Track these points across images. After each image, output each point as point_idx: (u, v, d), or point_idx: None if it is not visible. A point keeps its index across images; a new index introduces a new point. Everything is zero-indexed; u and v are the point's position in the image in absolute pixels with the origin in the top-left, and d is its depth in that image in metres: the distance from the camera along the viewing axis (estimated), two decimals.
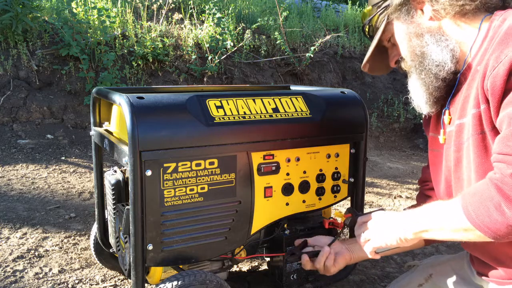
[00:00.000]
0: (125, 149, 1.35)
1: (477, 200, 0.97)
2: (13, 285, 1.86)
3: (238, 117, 1.42)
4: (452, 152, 1.19)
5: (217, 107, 1.41)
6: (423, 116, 1.39)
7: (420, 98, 1.25)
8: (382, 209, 1.47)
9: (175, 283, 1.32)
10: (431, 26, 1.19)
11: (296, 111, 1.52)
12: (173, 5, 5.53)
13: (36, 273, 1.95)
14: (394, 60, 1.35)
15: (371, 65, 1.40)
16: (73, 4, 4.60)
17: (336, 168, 1.64)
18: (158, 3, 5.21)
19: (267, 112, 1.48)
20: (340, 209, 2.90)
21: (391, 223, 1.22)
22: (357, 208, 1.74)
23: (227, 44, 4.99)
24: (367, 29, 1.37)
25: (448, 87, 1.21)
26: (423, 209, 1.15)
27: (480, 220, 0.96)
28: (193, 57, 4.87)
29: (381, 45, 1.35)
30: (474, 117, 1.07)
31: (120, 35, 4.78)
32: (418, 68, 1.22)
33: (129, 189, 1.30)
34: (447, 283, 1.38)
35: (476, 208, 0.97)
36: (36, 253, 2.13)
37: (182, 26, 5.30)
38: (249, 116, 1.44)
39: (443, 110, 1.24)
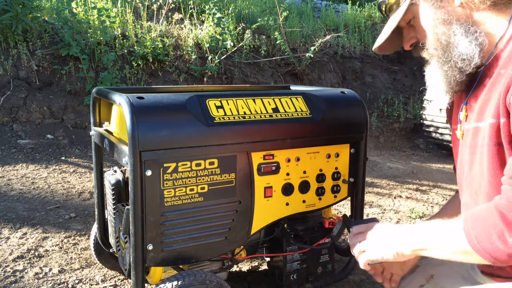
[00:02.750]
0: (125, 149, 1.35)
1: (480, 226, 0.97)
2: (13, 285, 1.86)
3: (238, 117, 1.42)
4: (467, 153, 1.16)
5: (217, 107, 1.41)
6: (446, 107, 1.35)
7: (439, 90, 1.19)
8: (375, 219, 1.47)
9: (175, 283, 1.32)
10: (461, 14, 1.11)
11: (296, 111, 1.52)
12: (173, 5, 5.53)
13: (36, 273, 1.95)
14: (410, 43, 1.26)
15: (382, 44, 1.32)
16: (73, 4, 4.60)
17: (336, 168, 1.64)
18: (158, 3, 5.21)
19: (267, 112, 1.48)
20: (340, 209, 2.90)
21: (389, 237, 1.19)
22: (357, 209, 1.74)
23: (227, 44, 4.99)
24: (383, 7, 1.27)
25: (469, 81, 1.15)
26: (424, 226, 1.13)
27: (482, 246, 0.96)
28: (193, 57, 4.88)
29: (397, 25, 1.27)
30: (492, 127, 1.04)
31: (120, 35, 4.78)
32: (441, 58, 1.14)
33: (129, 189, 1.30)
34: (449, 284, 1.37)
35: (479, 234, 0.96)
36: (36, 253, 2.13)
37: (182, 26, 5.30)
38: (249, 116, 1.44)
39: (461, 106, 1.20)
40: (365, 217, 2.00)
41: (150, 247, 1.34)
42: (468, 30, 1.10)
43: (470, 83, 1.15)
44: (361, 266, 1.26)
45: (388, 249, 1.17)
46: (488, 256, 0.95)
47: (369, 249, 1.22)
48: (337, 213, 2.84)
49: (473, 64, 1.10)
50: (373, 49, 1.33)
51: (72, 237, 2.32)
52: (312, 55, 5.40)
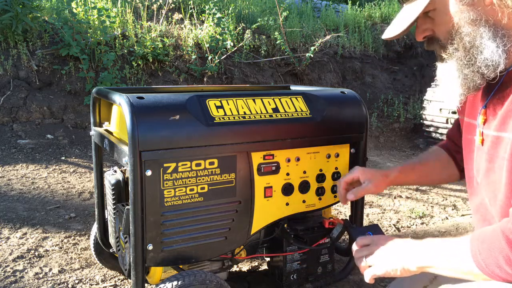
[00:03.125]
0: (125, 149, 1.35)
1: (487, 249, 0.97)
2: (13, 285, 1.86)
3: (238, 117, 1.42)
4: (484, 159, 1.14)
5: (217, 107, 1.41)
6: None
7: (453, 92, 1.11)
8: (377, 226, 1.46)
9: (175, 283, 1.32)
10: (491, 15, 1.02)
11: (296, 111, 1.52)
12: (173, 5, 5.53)
13: (36, 273, 1.95)
14: (424, 35, 1.14)
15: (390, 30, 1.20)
16: (73, 4, 4.60)
17: (336, 168, 1.64)
18: (158, 3, 5.21)
19: (267, 112, 1.48)
20: (340, 209, 2.90)
21: (396, 253, 1.17)
22: (357, 209, 1.74)
23: (227, 44, 4.99)
24: None
25: (487, 83, 1.10)
26: (430, 244, 1.13)
27: (490, 270, 0.97)
28: (193, 57, 4.88)
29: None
30: None
31: (120, 35, 4.78)
32: (462, 60, 1.06)
33: (129, 189, 1.30)
34: (453, 283, 1.36)
35: (486, 258, 0.97)
36: (36, 253, 2.13)
37: (182, 26, 5.30)
38: (249, 116, 1.44)
39: (480, 109, 1.15)
40: (365, 217, 2.00)
41: (150, 247, 1.34)
42: (496, 34, 1.02)
43: (490, 85, 1.10)
44: (367, 280, 1.24)
45: (395, 265, 1.16)
46: (497, 277, 0.96)
47: (376, 265, 1.21)
48: (337, 213, 2.84)
49: (497, 71, 1.04)
50: (383, 37, 1.23)
51: (72, 237, 2.32)
52: (312, 55, 5.40)
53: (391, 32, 1.17)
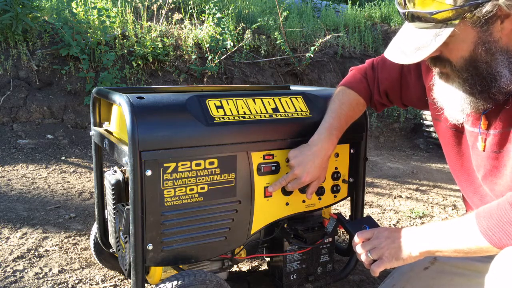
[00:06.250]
0: (125, 149, 1.35)
1: (496, 224, 0.99)
2: (13, 285, 1.86)
3: (238, 117, 1.42)
4: (487, 157, 1.15)
5: (217, 107, 1.41)
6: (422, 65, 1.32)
7: (462, 112, 1.12)
8: (370, 217, 1.46)
9: (175, 283, 1.32)
10: (507, 43, 1.02)
11: (296, 111, 1.52)
12: (173, 5, 5.53)
13: (36, 273, 1.95)
14: (433, 55, 1.07)
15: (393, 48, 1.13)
16: (73, 4, 4.60)
17: (336, 168, 1.64)
18: (158, 3, 5.21)
19: (267, 112, 1.48)
20: (340, 209, 2.90)
21: (400, 242, 1.18)
22: (357, 209, 1.74)
23: (227, 44, 4.99)
24: (408, 15, 1.04)
25: None
26: (432, 229, 1.13)
27: (504, 243, 0.99)
28: (193, 57, 4.88)
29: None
30: None
31: (120, 35, 4.78)
32: (476, 87, 1.06)
33: (129, 189, 1.30)
34: (454, 263, 1.36)
35: (497, 232, 0.99)
36: (36, 253, 2.13)
37: (182, 26, 5.30)
38: (249, 116, 1.44)
39: (481, 116, 1.15)
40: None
41: (150, 247, 1.34)
42: (511, 61, 1.02)
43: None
44: (374, 274, 1.25)
45: (401, 255, 1.18)
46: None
47: (382, 258, 1.22)
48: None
49: (508, 94, 1.05)
50: (390, 58, 1.14)
51: (72, 237, 2.32)
52: (312, 55, 5.41)
53: (401, 57, 1.09)
